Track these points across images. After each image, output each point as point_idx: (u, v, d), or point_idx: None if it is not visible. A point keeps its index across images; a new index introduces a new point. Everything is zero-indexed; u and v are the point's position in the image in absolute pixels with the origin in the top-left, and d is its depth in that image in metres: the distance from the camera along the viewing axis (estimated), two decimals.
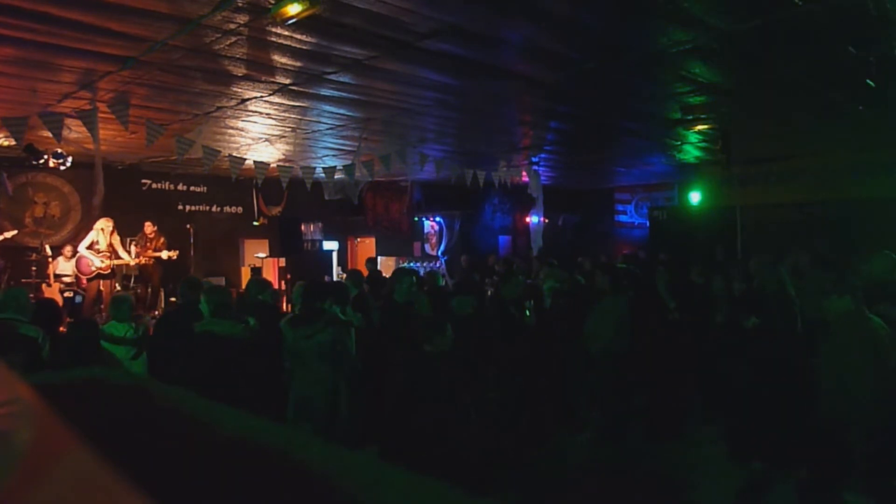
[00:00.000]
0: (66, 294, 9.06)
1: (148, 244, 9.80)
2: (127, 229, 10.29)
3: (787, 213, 11.76)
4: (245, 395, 3.93)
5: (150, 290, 9.99)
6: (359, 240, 14.75)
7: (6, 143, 8.00)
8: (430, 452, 3.55)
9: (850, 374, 3.81)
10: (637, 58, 5.35)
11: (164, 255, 9.70)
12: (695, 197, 13.14)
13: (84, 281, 9.11)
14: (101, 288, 8.91)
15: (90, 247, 8.89)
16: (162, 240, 9.91)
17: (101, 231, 8.96)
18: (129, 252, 9.65)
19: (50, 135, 6.50)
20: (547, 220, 13.29)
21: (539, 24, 4.56)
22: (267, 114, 7.11)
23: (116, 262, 9.12)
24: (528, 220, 13.83)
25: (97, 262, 8.86)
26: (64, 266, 9.30)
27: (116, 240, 9.09)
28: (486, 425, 4.51)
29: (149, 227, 9.91)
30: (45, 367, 4.02)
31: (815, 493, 3.96)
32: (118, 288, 9.44)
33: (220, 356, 4.44)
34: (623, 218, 16.72)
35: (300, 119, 7.43)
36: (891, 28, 4.68)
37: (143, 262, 9.68)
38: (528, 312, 6.27)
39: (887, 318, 4.53)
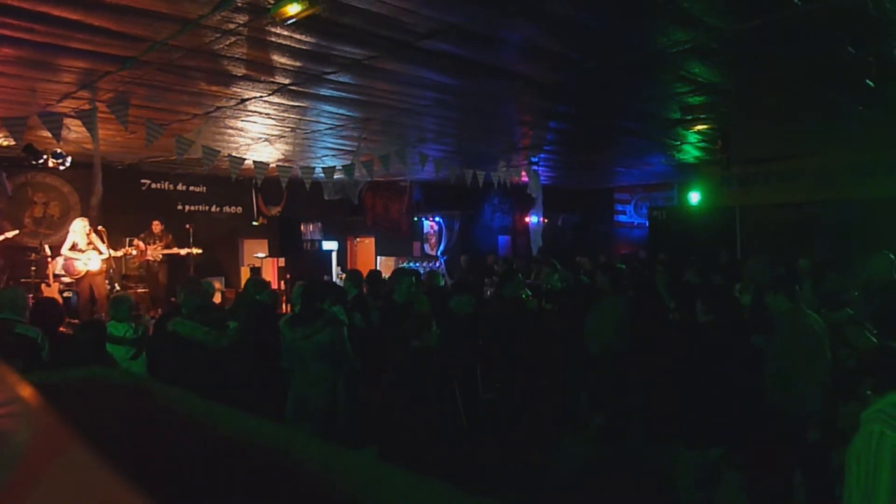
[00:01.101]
0: (66, 294, 9.06)
1: (157, 242, 9.91)
2: (127, 229, 10.31)
3: (786, 214, 11.75)
4: (234, 396, 3.94)
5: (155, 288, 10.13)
6: (358, 240, 14.74)
7: (5, 143, 8.00)
8: (420, 448, 3.58)
9: (790, 367, 4.20)
10: (637, 58, 5.34)
11: (183, 251, 9.80)
12: (694, 197, 13.13)
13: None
14: (93, 286, 8.91)
15: (72, 248, 8.89)
16: (170, 237, 10.06)
17: (76, 232, 8.93)
18: (128, 249, 9.71)
19: (49, 135, 6.49)
20: (546, 220, 13.28)
21: (539, 24, 4.56)
22: (266, 114, 7.11)
23: (107, 256, 9.11)
24: (527, 220, 13.83)
25: (83, 261, 8.87)
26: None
27: (94, 237, 9.08)
28: (483, 425, 4.51)
29: (157, 226, 10.12)
30: (44, 367, 4.02)
31: (764, 478, 4.16)
32: (117, 287, 9.45)
33: (183, 357, 4.47)
34: (622, 218, 16.72)
35: (300, 119, 7.43)
36: (891, 28, 4.68)
37: (150, 259, 9.91)
38: (524, 296, 6.29)
39: (838, 322, 4.76)
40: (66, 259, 8.85)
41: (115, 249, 9.31)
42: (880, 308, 4.99)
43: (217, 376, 4.46)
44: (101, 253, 8.97)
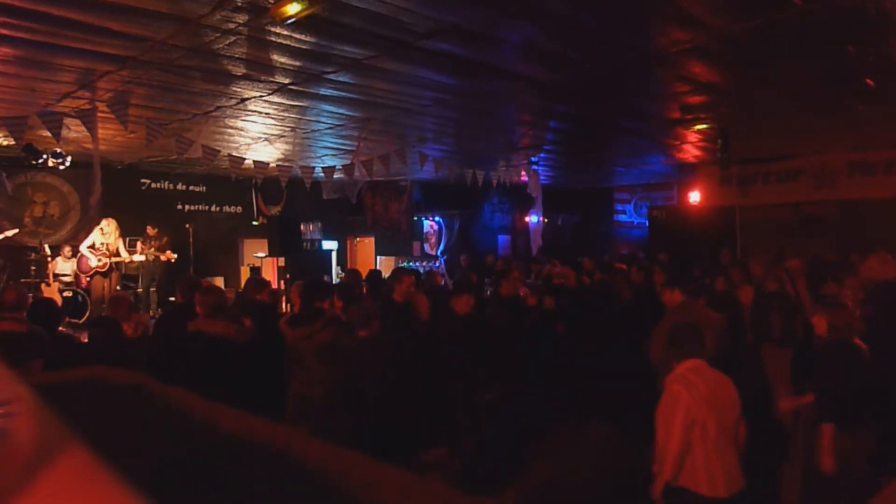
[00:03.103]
0: (66, 294, 9.07)
1: (152, 243, 9.99)
2: (127, 229, 10.31)
3: (786, 214, 11.76)
4: (238, 395, 3.94)
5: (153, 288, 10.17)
6: (358, 239, 14.73)
7: (5, 143, 7.99)
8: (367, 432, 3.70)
9: None
10: (637, 58, 5.34)
11: (163, 256, 9.81)
12: (694, 197, 13.14)
13: (84, 280, 9.15)
14: (105, 287, 8.97)
15: (91, 247, 8.98)
16: (165, 239, 10.13)
17: (101, 231, 9.04)
18: (133, 250, 9.77)
19: (49, 134, 6.49)
20: (546, 220, 13.28)
21: (539, 24, 4.56)
22: (266, 113, 7.10)
23: (115, 259, 9.18)
24: (527, 219, 13.83)
25: (93, 261, 8.94)
26: (63, 266, 9.31)
27: (118, 239, 9.17)
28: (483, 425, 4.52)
29: (150, 230, 10.20)
30: (46, 367, 4.02)
31: None
32: (118, 287, 9.47)
33: (211, 357, 4.46)
34: (622, 217, 16.72)
35: (299, 119, 7.43)
36: (890, 28, 4.68)
37: (149, 259, 9.95)
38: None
39: None
40: (82, 255, 8.94)
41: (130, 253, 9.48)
42: (879, 309, 4.99)
43: (242, 372, 4.48)
44: (116, 255, 9.07)
